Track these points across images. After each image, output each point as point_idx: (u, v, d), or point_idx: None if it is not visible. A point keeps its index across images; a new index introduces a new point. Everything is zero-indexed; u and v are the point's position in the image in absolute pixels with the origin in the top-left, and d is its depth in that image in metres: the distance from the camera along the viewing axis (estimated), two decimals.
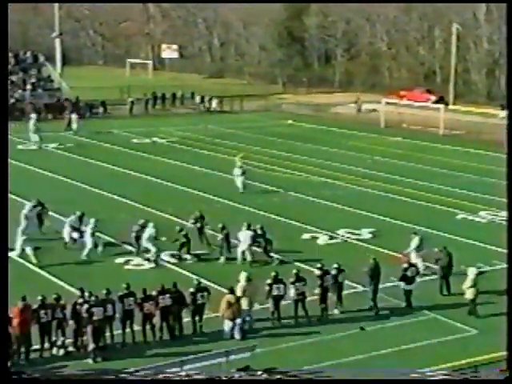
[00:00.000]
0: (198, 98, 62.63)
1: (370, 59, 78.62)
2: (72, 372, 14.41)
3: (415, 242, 23.16)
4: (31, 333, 17.55)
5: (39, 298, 18.01)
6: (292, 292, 19.75)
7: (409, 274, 20.96)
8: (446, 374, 14.51)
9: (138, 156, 41.86)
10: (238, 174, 33.24)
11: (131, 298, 18.31)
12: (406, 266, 21.08)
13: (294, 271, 20.23)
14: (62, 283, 21.95)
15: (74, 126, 49.01)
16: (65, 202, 30.65)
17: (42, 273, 22.92)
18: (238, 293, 19.23)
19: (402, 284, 20.92)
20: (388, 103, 55.79)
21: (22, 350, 17.46)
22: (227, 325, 18.85)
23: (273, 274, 19.98)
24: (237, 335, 18.80)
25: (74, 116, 49.92)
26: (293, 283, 19.77)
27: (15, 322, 17.25)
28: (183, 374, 16.00)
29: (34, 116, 47.37)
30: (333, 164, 40.11)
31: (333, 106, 63.22)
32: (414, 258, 22.64)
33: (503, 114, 52.44)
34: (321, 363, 17.32)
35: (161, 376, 15.88)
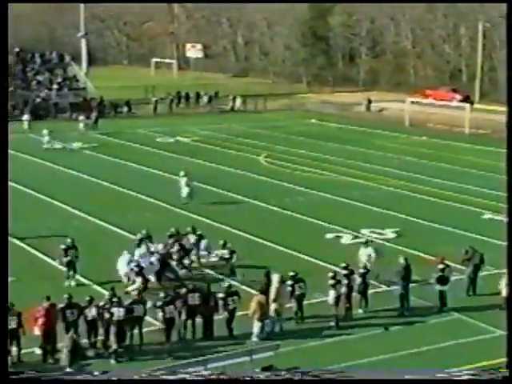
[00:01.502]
0: (205, 98, 62.46)
1: (394, 58, 78.20)
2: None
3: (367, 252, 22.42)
4: (57, 332, 17.64)
5: (65, 296, 18.11)
6: (332, 293, 19.65)
7: (445, 274, 20.82)
8: (472, 374, 14.40)
9: (162, 155, 42.01)
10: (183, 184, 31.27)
11: (171, 306, 18.24)
12: (442, 266, 20.91)
13: (330, 274, 20.13)
14: (88, 281, 22.08)
15: (81, 125, 49.13)
16: (89, 201, 30.86)
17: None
18: (272, 295, 19.18)
19: (438, 285, 20.77)
20: (413, 102, 55.46)
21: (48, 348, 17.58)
22: (257, 325, 18.78)
23: (292, 273, 19.90)
24: (264, 334, 18.75)
25: (81, 117, 49.97)
26: (333, 286, 19.68)
27: (40, 321, 17.36)
28: (206, 373, 16.02)
29: (26, 117, 48.48)
30: (356, 163, 39.96)
31: (357, 104, 62.97)
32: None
33: None
34: (344, 363, 17.25)
35: (182, 375, 15.92)
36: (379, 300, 20.88)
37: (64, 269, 22.03)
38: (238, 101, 62.27)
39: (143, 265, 21.37)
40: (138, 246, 22.87)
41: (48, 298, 17.88)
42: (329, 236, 27.04)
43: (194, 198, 30.76)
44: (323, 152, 43.14)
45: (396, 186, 34.91)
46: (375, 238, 26.91)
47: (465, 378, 12.40)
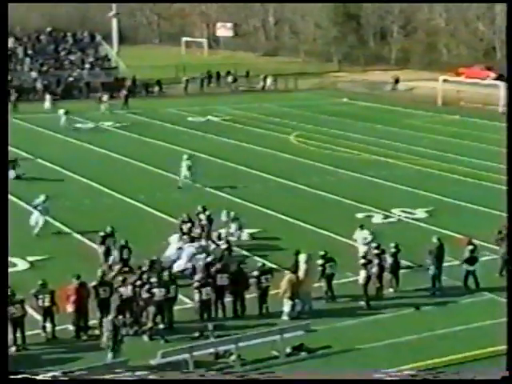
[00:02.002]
0: (230, 78, 61.89)
1: (427, 36, 77.23)
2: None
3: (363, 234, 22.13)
4: (88, 309, 17.84)
5: (98, 274, 18.28)
6: (363, 273, 19.64)
7: (473, 255, 20.68)
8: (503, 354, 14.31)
9: (193, 134, 42.08)
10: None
11: (208, 288, 18.25)
12: (471, 247, 20.77)
13: (361, 253, 20.06)
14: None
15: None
16: (119, 180, 31.06)
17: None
18: (301, 274, 19.21)
19: (466, 265, 20.64)
20: (445, 81, 54.80)
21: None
22: (287, 304, 18.83)
23: (322, 252, 19.89)
24: (295, 313, 18.82)
25: (104, 97, 49.14)
26: (364, 265, 19.65)
27: (72, 298, 17.56)
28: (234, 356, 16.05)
29: (48, 97, 48.23)
30: (387, 142, 39.69)
31: (389, 83, 62.41)
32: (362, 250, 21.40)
33: None
34: (374, 343, 17.22)
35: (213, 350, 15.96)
36: (411, 280, 20.78)
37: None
38: (269, 80, 62.06)
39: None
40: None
41: (78, 277, 18.08)
42: (359, 215, 26.93)
43: (198, 181, 29.75)
44: (354, 131, 42.89)
45: (427, 165, 34.63)
46: (406, 217, 26.79)
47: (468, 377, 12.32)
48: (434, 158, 36.09)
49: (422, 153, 37.18)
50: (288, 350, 16.76)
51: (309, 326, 17.28)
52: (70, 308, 17.59)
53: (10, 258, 21.89)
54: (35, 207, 24.44)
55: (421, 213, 27.17)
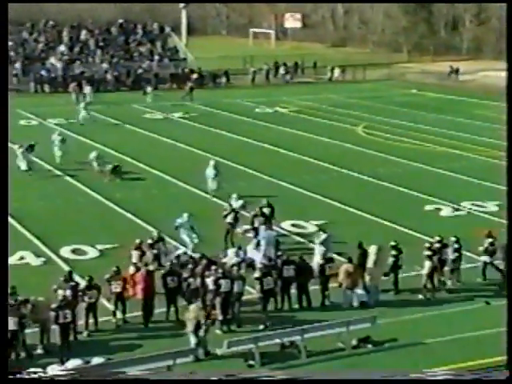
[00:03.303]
0: (282, 69, 61.28)
1: (500, 25, 75.44)
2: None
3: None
4: (155, 297, 18.12)
5: (168, 263, 18.51)
6: (428, 264, 19.46)
7: (494, 247, 20.42)
8: None
9: (261, 126, 42.17)
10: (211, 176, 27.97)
11: (269, 277, 18.30)
12: (491, 239, 20.49)
13: (427, 245, 19.89)
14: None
15: (88, 98, 47.08)
16: (186, 170, 31.35)
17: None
18: (369, 265, 19.15)
19: (484, 257, 20.39)
20: None
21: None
22: (346, 294, 18.84)
23: (393, 243, 19.75)
24: (355, 303, 18.77)
25: (149, 89, 49.50)
26: (429, 257, 19.46)
27: (140, 286, 17.87)
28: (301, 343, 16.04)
29: (88, 89, 48.22)
30: (456, 133, 39.02)
31: (460, 74, 61.27)
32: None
33: None
34: (440, 337, 17.01)
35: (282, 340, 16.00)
36: (476, 274, 20.45)
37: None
38: (337, 71, 61.65)
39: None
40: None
41: (146, 265, 18.33)
42: (428, 208, 26.60)
43: (220, 188, 27.68)
44: (422, 122, 42.31)
45: (496, 156, 33.90)
46: (475, 210, 26.32)
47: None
48: (504, 149, 35.27)
49: (492, 144, 36.42)
50: (354, 343, 16.71)
51: (375, 319, 17.18)
52: (139, 295, 17.93)
53: (80, 246, 22.50)
54: (177, 228, 22.39)
55: (491, 206, 26.65)
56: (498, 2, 61.41)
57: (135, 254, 20.10)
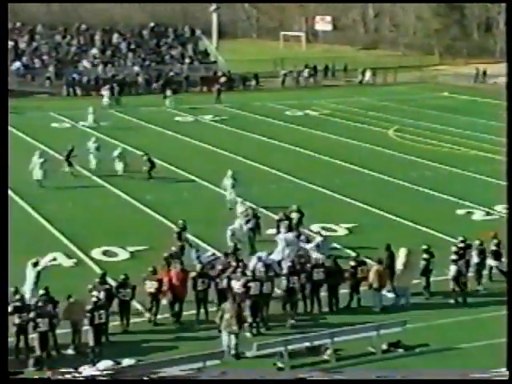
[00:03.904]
0: (306, 72, 60.94)
1: None
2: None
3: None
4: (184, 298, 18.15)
5: (199, 265, 18.52)
6: (453, 268, 19.33)
7: (500, 249, 20.27)
8: None
9: (291, 128, 42.13)
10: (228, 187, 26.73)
11: (295, 277, 18.33)
12: (496, 241, 20.33)
13: (453, 249, 19.72)
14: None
15: (104, 99, 47.90)
16: (216, 172, 31.29)
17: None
18: (399, 267, 19.06)
19: (490, 260, 20.20)
20: None
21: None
22: (375, 296, 18.78)
23: (425, 247, 19.61)
24: (382, 306, 18.71)
25: (168, 93, 49.36)
26: (455, 261, 19.32)
27: (172, 285, 17.92)
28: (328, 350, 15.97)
29: (107, 93, 48.29)
30: (489, 137, 38.64)
31: (493, 76, 60.66)
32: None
33: None
34: (472, 343, 16.83)
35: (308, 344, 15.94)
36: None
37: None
38: (368, 73, 61.40)
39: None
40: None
41: (181, 263, 18.45)
42: (460, 212, 26.36)
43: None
44: (455, 126, 41.96)
45: None
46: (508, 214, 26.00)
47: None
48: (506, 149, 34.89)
49: None
50: (384, 347, 16.60)
51: (406, 323, 17.04)
52: (169, 294, 18.01)
53: (111, 248, 22.63)
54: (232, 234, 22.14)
55: None
56: (498, 2, 60.90)
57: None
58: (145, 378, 14.15)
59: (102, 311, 16.38)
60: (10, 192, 27.60)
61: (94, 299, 16.59)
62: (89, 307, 16.35)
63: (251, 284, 17.75)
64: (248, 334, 17.42)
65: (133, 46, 60.86)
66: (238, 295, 17.74)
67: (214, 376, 14.23)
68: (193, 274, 18.21)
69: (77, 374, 14.41)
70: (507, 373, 13.94)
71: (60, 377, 14.12)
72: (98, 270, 20.13)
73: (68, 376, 14.15)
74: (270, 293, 18.08)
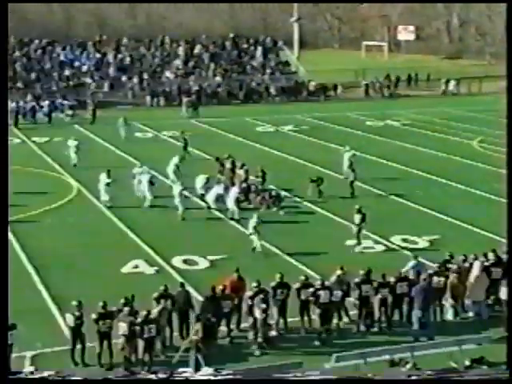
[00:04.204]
0: (377, 84, 59.92)
1: None
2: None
3: None
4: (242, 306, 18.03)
5: (278, 275, 18.19)
6: None
7: None
8: None
9: (372, 139, 41.72)
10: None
11: (368, 285, 18.19)
12: None
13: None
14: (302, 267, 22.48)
15: (184, 109, 49.19)
16: (297, 184, 31.17)
17: (289, 259, 23.59)
18: (471, 280, 18.64)
19: None
20: None
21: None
22: (448, 306, 18.69)
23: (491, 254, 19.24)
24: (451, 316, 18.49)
25: (185, 100, 50.06)
26: None
27: (230, 290, 17.93)
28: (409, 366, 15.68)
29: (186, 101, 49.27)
30: None
31: None
32: None
33: None
34: None
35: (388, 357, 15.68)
36: None
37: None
38: (452, 83, 60.32)
39: None
40: None
41: (237, 270, 18.39)
42: None
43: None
44: None
45: None
46: None
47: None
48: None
49: None
50: (467, 363, 16.16)
51: (490, 339, 16.57)
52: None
53: (191, 257, 22.82)
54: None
55: None
56: (498, 2, 58.71)
57: None
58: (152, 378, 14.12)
59: (152, 325, 16.27)
60: (94, 200, 28.24)
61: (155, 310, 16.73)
62: (139, 320, 16.30)
63: (320, 292, 17.67)
64: (317, 343, 17.36)
65: (215, 57, 61.58)
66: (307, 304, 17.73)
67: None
68: (272, 284, 18.10)
69: (189, 375, 14.40)
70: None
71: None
72: (178, 279, 20.33)
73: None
74: (340, 301, 17.96)
